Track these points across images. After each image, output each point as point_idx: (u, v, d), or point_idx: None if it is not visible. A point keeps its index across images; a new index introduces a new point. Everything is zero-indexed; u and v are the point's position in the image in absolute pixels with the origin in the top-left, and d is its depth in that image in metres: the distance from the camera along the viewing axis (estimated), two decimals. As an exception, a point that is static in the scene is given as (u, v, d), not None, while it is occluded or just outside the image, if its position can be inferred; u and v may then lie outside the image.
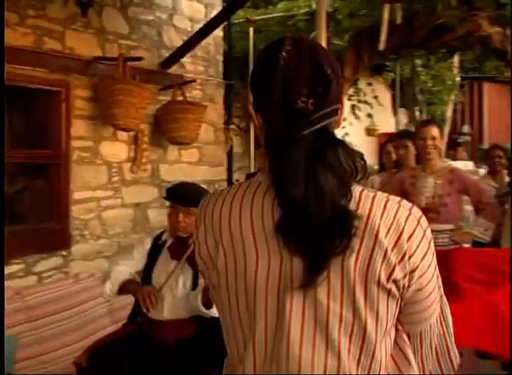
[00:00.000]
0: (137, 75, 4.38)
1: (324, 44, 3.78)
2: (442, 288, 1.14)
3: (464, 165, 9.71)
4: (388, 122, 9.83)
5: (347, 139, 6.73)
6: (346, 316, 1.01)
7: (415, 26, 4.65)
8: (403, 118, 9.81)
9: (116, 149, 4.52)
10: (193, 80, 5.12)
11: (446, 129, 9.71)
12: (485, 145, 12.01)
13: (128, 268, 2.84)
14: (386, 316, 1.03)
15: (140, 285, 2.72)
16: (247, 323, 1.06)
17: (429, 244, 1.08)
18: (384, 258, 1.01)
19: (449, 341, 1.18)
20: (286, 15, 6.11)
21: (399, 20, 4.41)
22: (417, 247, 1.06)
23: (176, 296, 2.74)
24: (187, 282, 2.75)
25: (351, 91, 7.15)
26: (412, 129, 8.24)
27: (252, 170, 5.60)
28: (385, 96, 9.63)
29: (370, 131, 9.10)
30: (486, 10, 4.51)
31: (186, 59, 5.10)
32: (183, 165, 5.17)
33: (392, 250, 1.02)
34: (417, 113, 8.75)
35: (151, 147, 4.79)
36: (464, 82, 11.15)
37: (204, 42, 5.06)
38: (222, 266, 1.07)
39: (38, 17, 3.89)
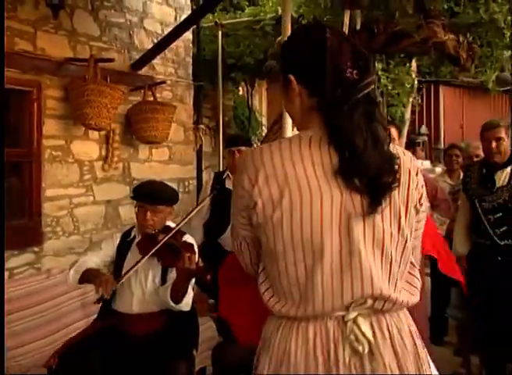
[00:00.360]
0: (108, 76, 4.35)
1: (289, 48, 3.81)
2: None
3: (421, 163, 9.90)
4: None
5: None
6: (394, 233, 1.29)
7: (375, 33, 4.72)
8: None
9: (88, 148, 4.48)
10: (164, 82, 5.10)
11: (405, 129, 9.86)
12: (441, 145, 12.25)
13: (94, 258, 2.80)
14: (414, 230, 1.36)
15: (99, 273, 2.66)
16: (310, 250, 1.25)
17: None
18: (416, 187, 1.33)
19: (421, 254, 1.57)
20: (254, 19, 6.12)
21: (358, 26, 4.47)
22: (422, 179, 1.38)
23: (145, 291, 2.73)
24: (156, 277, 2.74)
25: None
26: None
27: (221, 169, 5.60)
28: (348, 98, 9.71)
29: (333, 131, 9.16)
30: (441, 18, 4.60)
31: (156, 61, 5.08)
32: (154, 163, 5.14)
33: (418, 181, 1.34)
34: (377, 115, 8.86)
35: (122, 146, 4.75)
36: (422, 85, 11.34)
37: (173, 45, 5.05)
38: (288, 205, 1.24)
39: (9, 18, 3.81)
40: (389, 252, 1.28)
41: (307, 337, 1.27)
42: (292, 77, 1.32)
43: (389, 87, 8.83)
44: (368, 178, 1.23)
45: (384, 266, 1.28)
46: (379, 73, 8.26)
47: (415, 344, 1.33)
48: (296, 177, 1.24)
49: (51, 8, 3.83)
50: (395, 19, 4.57)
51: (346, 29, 4.28)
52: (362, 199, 1.24)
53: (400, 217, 1.28)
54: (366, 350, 1.25)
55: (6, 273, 3.79)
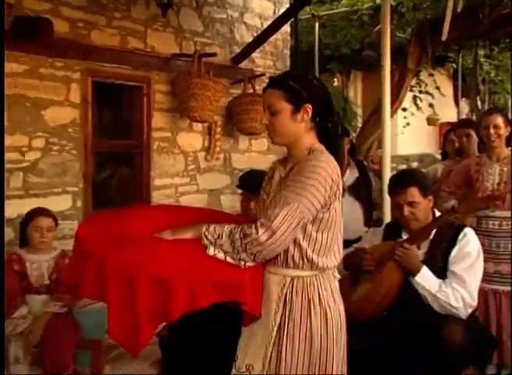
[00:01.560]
0: (211, 70, 4.46)
1: (388, 36, 3.72)
2: None
3: (526, 153, 9.26)
4: (449, 111, 9.53)
5: (408, 129, 6.47)
6: None
7: (480, 18, 4.47)
8: (465, 108, 9.48)
9: (192, 139, 4.63)
10: (263, 74, 5.14)
11: (509, 117, 9.30)
12: (548, 134, 11.40)
13: None
14: None
15: None
16: (340, 230, 1.88)
17: None
18: None
19: None
20: (351, 10, 6.02)
21: (459, 9, 4.24)
22: None
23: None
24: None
25: (413, 82, 6.97)
26: (474, 118, 7.95)
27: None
28: (447, 86, 9.33)
29: (431, 121, 8.86)
30: (553, -1, 4.29)
31: (255, 54, 5.14)
32: (253, 153, 5.22)
33: None
34: (479, 103, 8.42)
35: (223, 137, 4.87)
36: (527, 71, 10.62)
37: (272, 38, 5.08)
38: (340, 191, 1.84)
39: (123, 19, 4.02)
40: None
41: (334, 277, 1.90)
42: (310, 106, 1.81)
43: (492, 74, 8.36)
44: None
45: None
46: (481, 59, 7.84)
47: None
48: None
49: (161, 7, 3.98)
50: (503, 1, 4.31)
51: (449, 14, 4.09)
52: None
53: None
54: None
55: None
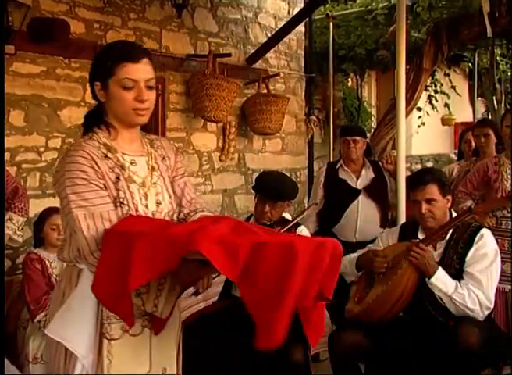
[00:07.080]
0: (225, 70, 4.48)
1: (403, 36, 3.70)
2: None
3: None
4: (465, 111, 9.45)
5: (423, 129, 6.44)
6: None
7: (497, 16, 4.43)
8: (481, 107, 9.40)
9: (206, 139, 4.65)
10: (277, 74, 5.15)
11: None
12: None
13: None
14: None
15: None
16: None
17: None
18: None
19: None
20: (365, 9, 5.99)
21: (487, 8, 4.19)
22: None
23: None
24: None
25: (428, 81, 6.92)
26: (490, 118, 7.87)
27: (331, 159, 5.58)
28: (463, 86, 9.25)
29: (446, 121, 8.78)
30: None
31: (269, 54, 5.15)
32: (267, 154, 5.23)
33: None
34: (495, 103, 8.33)
35: (237, 137, 4.88)
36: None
37: (286, 38, 5.10)
38: None
39: (138, 20, 4.05)
40: None
41: None
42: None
43: (509, 74, 8.27)
44: None
45: None
46: (498, 58, 7.76)
47: None
48: None
49: (176, 7, 4.00)
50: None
51: (486, 11, 4.07)
52: None
53: None
54: None
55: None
